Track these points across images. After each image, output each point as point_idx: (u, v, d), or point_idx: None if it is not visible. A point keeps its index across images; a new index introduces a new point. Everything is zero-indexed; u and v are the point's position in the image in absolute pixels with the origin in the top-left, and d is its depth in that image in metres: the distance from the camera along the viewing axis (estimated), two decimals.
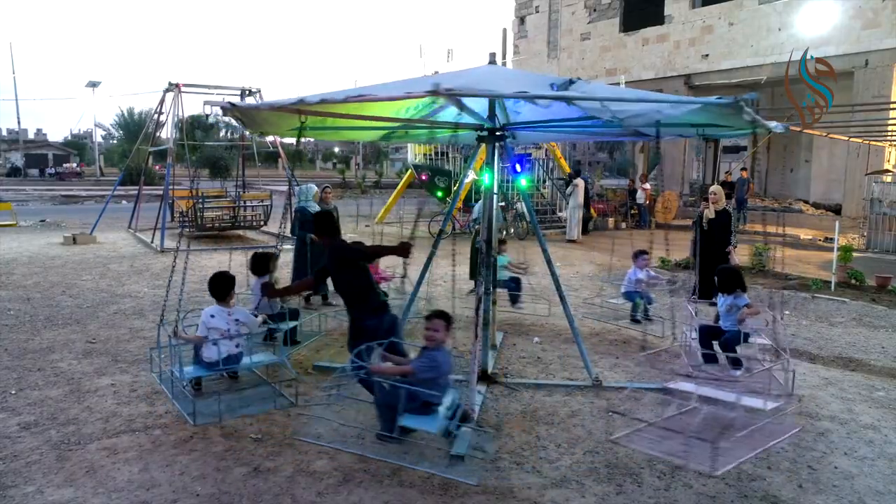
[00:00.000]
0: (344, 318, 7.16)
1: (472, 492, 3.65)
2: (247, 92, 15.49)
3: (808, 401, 5.13)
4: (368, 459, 3.97)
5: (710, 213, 8.91)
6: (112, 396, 5.04)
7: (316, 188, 8.63)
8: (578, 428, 4.57)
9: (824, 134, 14.00)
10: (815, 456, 4.18)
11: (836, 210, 19.10)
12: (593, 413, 4.84)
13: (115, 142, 72.06)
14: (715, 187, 9.10)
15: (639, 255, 8.18)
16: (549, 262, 5.52)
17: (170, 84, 14.49)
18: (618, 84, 20.66)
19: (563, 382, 5.49)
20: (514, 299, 8.08)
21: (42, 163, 57.95)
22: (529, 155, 17.96)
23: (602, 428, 4.56)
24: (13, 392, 5.10)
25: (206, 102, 13.94)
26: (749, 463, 4.02)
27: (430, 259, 5.60)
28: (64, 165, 55.62)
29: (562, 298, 5.56)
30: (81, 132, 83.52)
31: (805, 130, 10.43)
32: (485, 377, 5.35)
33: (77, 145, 72.35)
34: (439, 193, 18.42)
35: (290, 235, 8.34)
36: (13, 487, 3.63)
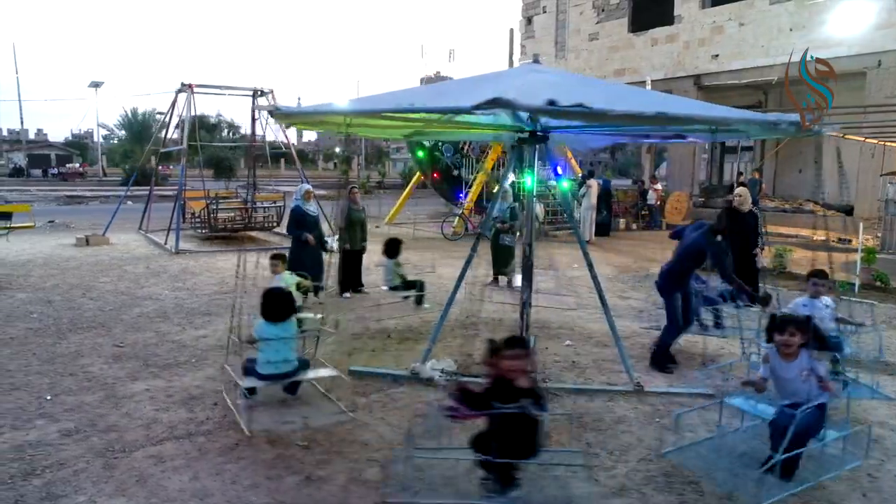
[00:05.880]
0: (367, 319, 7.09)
1: (532, 502, 3.58)
2: (259, 92, 15.43)
3: (853, 405, 5.05)
4: (421, 469, 3.88)
5: None
6: (149, 402, 4.97)
7: (308, 187, 8.68)
8: (627, 434, 4.50)
9: (841, 135, 13.93)
10: (872, 463, 4.11)
11: (847, 211, 19.04)
12: (640, 419, 4.77)
13: (115, 142, 71.85)
14: (740, 189, 9.04)
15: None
16: (590, 265, 5.45)
17: (182, 85, 14.40)
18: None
19: (603, 387, 5.42)
20: (420, 300, 7.79)
21: (45, 163, 57.77)
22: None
23: (651, 435, 4.49)
24: (48, 398, 5.02)
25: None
26: (808, 471, 3.95)
27: (468, 261, 5.52)
28: (67, 166, 55.48)
29: (603, 302, 5.49)
30: (82, 132, 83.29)
31: (827, 133, 10.35)
32: None
33: (79, 145, 72.12)
34: (420, 153, 18.55)
35: (286, 234, 8.47)
36: (64, 497, 3.56)
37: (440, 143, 18.43)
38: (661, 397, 5.19)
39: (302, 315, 6.14)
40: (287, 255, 7.49)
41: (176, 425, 4.52)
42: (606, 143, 6.84)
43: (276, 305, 4.75)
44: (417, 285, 7.77)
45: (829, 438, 3.87)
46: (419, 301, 7.74)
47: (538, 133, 5.03)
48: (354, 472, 3.88)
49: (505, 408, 3.25)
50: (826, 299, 5.32)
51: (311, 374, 4.92)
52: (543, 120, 5.15)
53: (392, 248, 7.78)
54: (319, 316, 5.89)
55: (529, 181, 5.07)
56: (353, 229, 8.54)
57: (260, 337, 4.66)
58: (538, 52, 26.64)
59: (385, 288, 7.88)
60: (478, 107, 3.04)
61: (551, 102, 3.14)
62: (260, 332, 4.69)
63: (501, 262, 9.75)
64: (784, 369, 3.88)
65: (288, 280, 6.61)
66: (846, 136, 14.19)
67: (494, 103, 3.01)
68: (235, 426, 4.50)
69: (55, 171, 53.46)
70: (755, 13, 19.62)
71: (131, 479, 3.76)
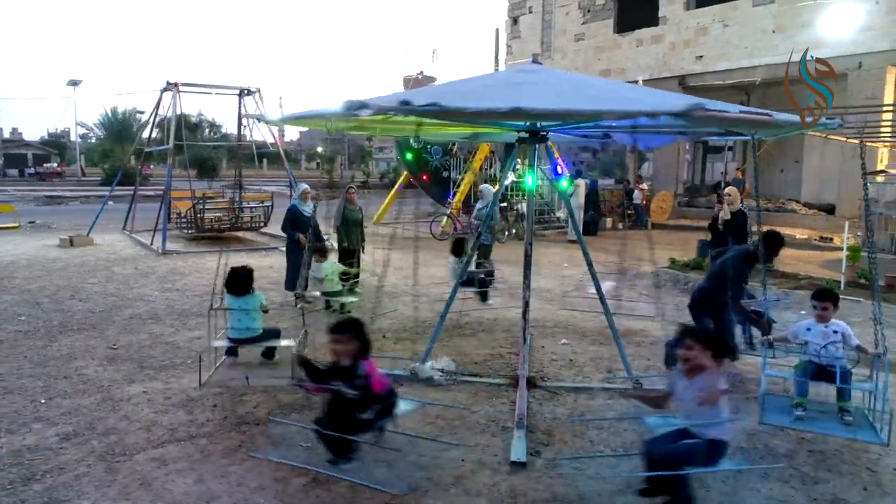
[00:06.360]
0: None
1: (542, 500, 3.59)
2: (245, 92, 15.29)
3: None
4: (429, 468, 3.88)
5: (724, 214, 8.96)
6: (147, 404, 4.90)
7: (306, 187, 8.79)
8: (629, 432, 4.53)
9: (823, 135, 14.16)
10: (871, 458, 4.18)
11: (828, 210, 19.35)
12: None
13: (93, 140, 70.67)
14: (730, 188, 9.16)
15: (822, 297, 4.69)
16: (590, 264, 5.48)
17: (168, 83, 14.22)
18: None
19: (603, 385, 5.46)
20: (484, 296, 8.06)
21: (21, 163, 56.78)
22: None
23: None
24: (43, 401, 4.93)
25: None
26: (808, 466, 4.02)
27: (468, 261, 5.52)
28: (44, 165, 54.59)
29: (602, 301, 5.51)
30: (59, 131, 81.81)
31: (814, 134, 10.53)
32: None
33: (56, 144, 70.84)
34: (409, 155, 18.81)
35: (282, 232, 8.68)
36: (66, 502, 3.50)
37: (429, 145, 18.51)
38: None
39: (344, 299, 7.43)
40: (324, 248, 7.82)
41: (177, 428, 4.47)
42: (664, 140, 7.02)
43: (236, 282, 5.44)
44: (480, 282, 7.98)
45: (722, 468, 3.48)
46: (484, 297, 8.03)
47: (539, 132, 5.05)
48: (361, 472, 3.86)
49: (327, 385, 3.72)
50: (839, 324, 4.56)
51: (274, 342, 5.63)
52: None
53: (458, 247, 8.10)
54: (353, 300, 6.92)
55: (530, 180, 5.08)
56: (350, 229, 8.55)
57: (227, 307, 5.44)
58: (524, 53, 26.75)
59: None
60: (346, 110, 3.23)
61: (404, 103, 3.26)
62: (228, 303, 5.45)
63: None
64: (682, 387, 3.46)
65: (327, 270, 7.08)
66: (829, 137, 14.41)
67: (349, 107, 3.21)
68: (237, 427, 4.47)
69: (32, 170, 52.54)
70: (739, 15, 19.85)
71: (135, 482, 3.71)
